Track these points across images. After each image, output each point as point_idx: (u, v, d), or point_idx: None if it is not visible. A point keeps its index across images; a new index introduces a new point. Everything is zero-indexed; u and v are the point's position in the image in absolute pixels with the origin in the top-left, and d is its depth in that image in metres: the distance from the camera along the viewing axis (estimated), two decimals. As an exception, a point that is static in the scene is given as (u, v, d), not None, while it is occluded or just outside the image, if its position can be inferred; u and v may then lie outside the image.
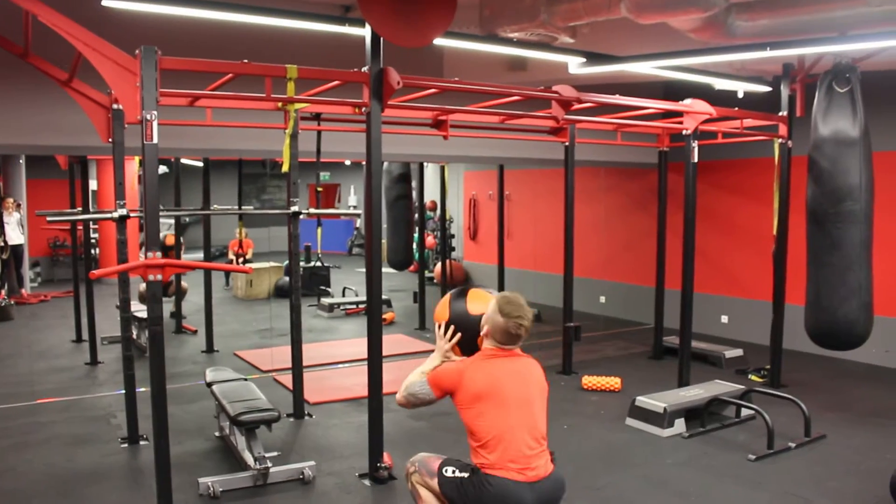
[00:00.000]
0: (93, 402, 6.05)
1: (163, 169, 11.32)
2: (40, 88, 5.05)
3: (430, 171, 14.34)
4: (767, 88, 6.83)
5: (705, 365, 7.23)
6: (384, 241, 10.45)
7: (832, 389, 6.49)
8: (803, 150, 5.83)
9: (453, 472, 2.97)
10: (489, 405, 2.89)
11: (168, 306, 8.97)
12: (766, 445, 4.87)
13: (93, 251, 12.60)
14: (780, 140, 6.45)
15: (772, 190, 6.57)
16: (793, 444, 4.96)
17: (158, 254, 3.58)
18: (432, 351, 3.25)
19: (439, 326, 3.21)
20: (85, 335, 7.80)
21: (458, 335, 3.14)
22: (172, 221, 11.93)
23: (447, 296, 3.29)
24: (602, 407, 5.95)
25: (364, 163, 4.41)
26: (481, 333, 3.06)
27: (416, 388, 3.10)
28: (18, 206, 11.94)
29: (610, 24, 4.92)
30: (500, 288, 10.19)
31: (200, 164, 8.23)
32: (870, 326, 5.48)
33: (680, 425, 5.25)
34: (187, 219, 14.64)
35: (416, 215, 11.42)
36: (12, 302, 10.28)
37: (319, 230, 6.47)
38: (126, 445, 4.99)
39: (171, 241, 8.90)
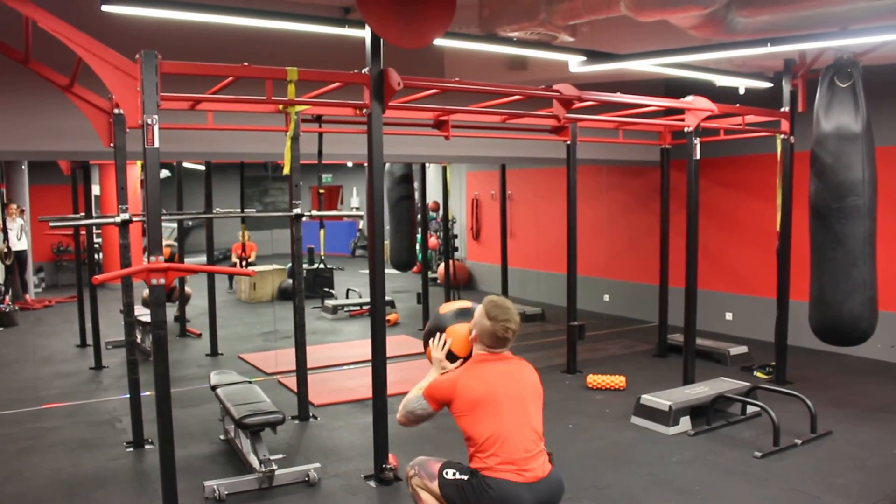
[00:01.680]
0: (98, 407, 6.06)
1: (165, 173, 11.33)
2: (41, 94, 5.06)
3: (432, 172, 14.31)
4: (769, 84, 6.82)
5: (710, 362, 7.22)
6: (387, 242, 10.46)
7: (838, 385, 6.47)
8: (806, 145, 5.82)
9: (454, 474, 2.97)
10: (485, 410, 2.90)
11: (171, 310, 8.99)
12: (772, 442, 4.85)
13: (96, 256, 12.63)
14: (782, 136, 6.43)
15: (775, 186, 6.55)
16: (799, 441, 4.94)
17: (161, 258, 3.58)
18: None
19: (427, 343, 3.25)
20: (89, 340, 7.81)
21: (451, 340, 3.16)
22: (175, 226, 11.97)
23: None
24: (607, 405, 5.94)
25: (366, 164, 4.41)
26: (469, 338, 3.09)
27: (413, 404, 3.12)
28: (22, 211, 11.95)
29: (610, 22, 4.92)
30: (504, 288, 10.19)
31: (202, 167, 8.24)
32: (875, 322, 5.47)
33: (685, 423, 5.24)
34: (190, 222, 14.66)
35: (419, 216, 11.41)
36: (17, 307, 10.29)
37: (322, 232, 6.47)
38: (131, 449, 5.00)
39: (167, 254, 8.90)
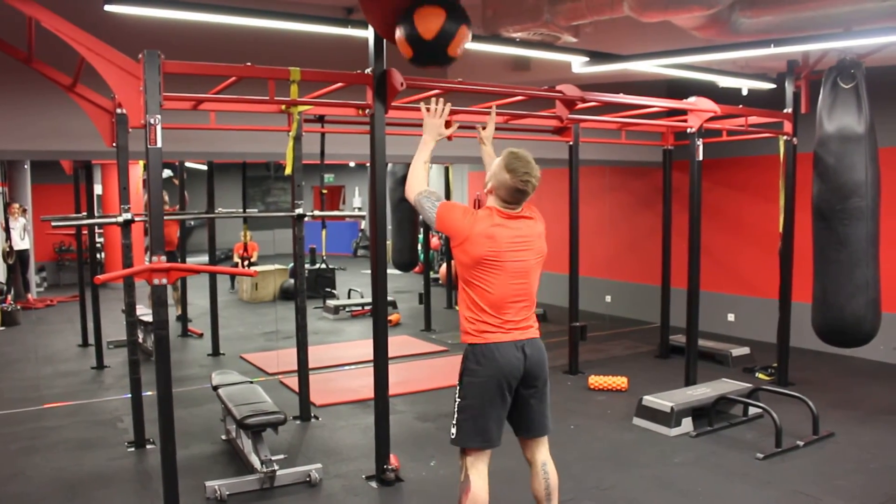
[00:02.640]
0: (99, 407, 6.06)
1: (167, 173, 11.34)
2: (44, 94, 5.07)
3: (435, 172, 14.32)
4: (772, 85, 6.81)
5: (712, 363, 7.21)
6: (389, 242, 10.47)
7: (840, 387, 6.46)
8: (809, 146, 5.82)
9: (457, 390, 3.12)
10: (488, 272, 3.03)
11: (173, 310, 9.00)
12: (775, 444, 4.85)
13: (98, 255, 12.65)
14: (785, 137, 6.42)
15: (777, 187, 6.54)
16: (801, 443, 4.94)
17: (163, 258, 3.58)
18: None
19: (426, 104, 3.39)
20: (91, 339, 7.82)
21: (449, 105, 3.29)
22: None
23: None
24: (609, 407, 5.94)
25: (368, 164, 4.41)
26: (485, 190, 3.16)
27: (425, 201, 3.19)
28: (24, 211, 11.97)
29: (613, 23, 4.91)
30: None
31: (205, 167, 8.24)
32: (877, 323, 5.46)
33: (687, 424, 5.24)
34: (192, 222, 14.67)
35: (421, 216, 11.42)
36: (18, 307, 10.30)
37: (324, 232, 6.48)
38: (133, 449, 5.00)
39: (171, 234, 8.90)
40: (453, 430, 3.15)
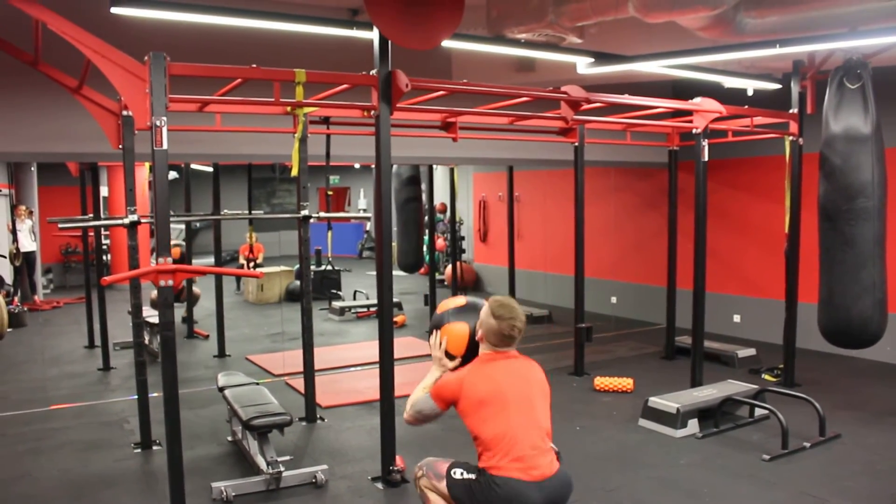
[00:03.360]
0: (106, 408, 6.08)
1: (173, 175, 11.37)
2: (50, 96, 5.08)
3: (440, 174, 14.34)
4: (777, 86, 6.80)
5: (718, 365, 7.19)
6: (394, 243, 10.47)
7: (846, 388, 6.44)
8: (815, 147, 5.80)
9: (462, 473, 2.97)
10: (492, 409, 2.91)
11: (179, 311, 9.02)
12: (781, 445, 4.83)
13: (104, 257, 12.68)
14: (791, 137, 6.41)
15: (783, 188, 6.53)
16: (807, 444, 4.92)
17: (170, 259, 3.59)
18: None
19: (432, 336, 3.28)
20: (97, 341, 7.84)
21: (447, 339, 3.18)
22: (182, 227, 12.00)
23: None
24: (615, 408, 5.93)
25: (373, 166, 4.41)
26: (476, 338, 3.11)
27: (421, 404, 3.13)
28: (31, 213, 12.01)
29: (618, 24, 4.91)
30: (511, 290, 10.17)
31: (210, 169, 8.26)
32: (884, 324, 5.44)
33: (693, 426, 5.23)
34: (198, 224, 14.70)
35: (426, 218, 11.42)
36: (25, 308, 10.33)
37: (330, 234, 6.47)
38: (139, 450, 5.01)
39: (176, 254, 8.92)
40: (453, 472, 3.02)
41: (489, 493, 2.84)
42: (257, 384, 5.16)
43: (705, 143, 6.01)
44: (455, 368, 3.16)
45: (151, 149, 3.48)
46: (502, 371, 2.99)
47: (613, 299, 10.19)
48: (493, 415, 2.90)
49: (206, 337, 8.80)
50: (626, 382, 6.41)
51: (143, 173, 11.69)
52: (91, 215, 7.84)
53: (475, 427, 2.94)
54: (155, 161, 3.51)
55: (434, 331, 3.26)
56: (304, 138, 4.96)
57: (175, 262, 3.64)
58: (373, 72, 4.24)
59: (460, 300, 3.32)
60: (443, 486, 3.02)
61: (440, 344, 3.21)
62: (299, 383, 5.96)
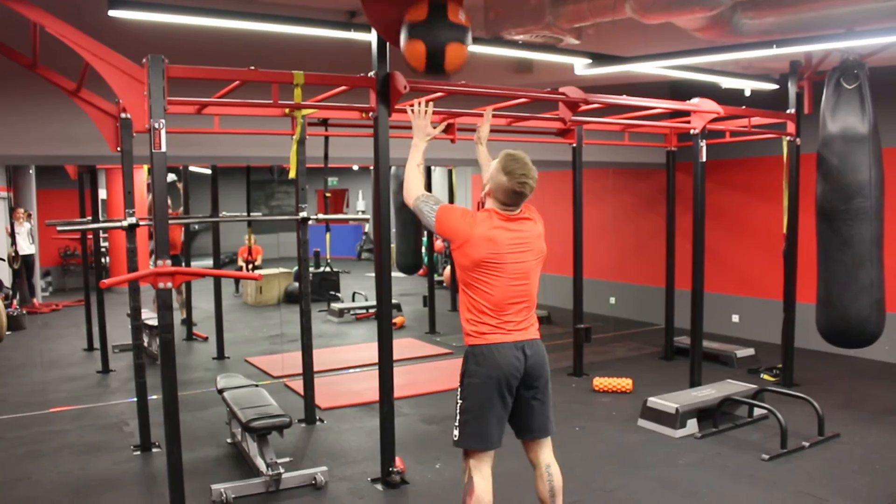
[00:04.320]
0: (105, 411, 6.08)
1: (171, 177, 11.36)
2: (49, 99, 5.08)
3: (438, 175, 14.35)
4: (775, 86, 6.81)
5: (717, 365, 7.20)
6: (393, 245, 10.47)
7: (845, 388, 6.45)
8: (812, 147, 5.81)
9: (458, 391, 3.13)
10: (488, 274, 3.04)
11: (178, 314, 9.02)
12: (780, 445, 4.84)
13: (103, 260, 12.67)
14: (788, 138, 6.42)
15: (781, 188, 6.54)
16: (806, 444, 4.93)
17: (168, 261, 3.59)
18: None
19: (414, 107, 3.39)
20: (96, 344, 7.84)
21: (432, 105, 3.32)
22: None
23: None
24: (614, 408, 5.93)
25: (372, 167, 4.42)
26: (483, 193, 3.19)
27: (423, 205, 3.21)
28: (29, 216, 12.01)
29: (615, 25, 4.91)
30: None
31: (209, 171, 8.26)
32: (882, 324, 5.45)
33: (692, 426, 5.23)
34: (197, 226, 14.70)
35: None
36: (24, 312, 10.33)
37: (328, 235, 6.48)
38: (139, 453, 5.01)
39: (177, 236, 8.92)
40: (455, 433, 3.16)
41: (480, 363, 3.03)
42: (256, 386, 5.16)
43: (703, 143, 6.02)
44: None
45: (150, 151, 3.48)
46: (505, 238, 3.07)
47: (612, 300, 10.20)
48: (488, 280, 3.04)
49: (206, 339, 8.80)
50: (625, 383, 6.41)
51: (141, 176, 11.68)
52: (90, 218, 7.84)
53: (468, 280, 3.09)
54: (153, 163, 3.51)
55: (419, 100, 3.33)
56: (302, 140, 4.97)
57: (174, 258, 3.64)
58: (371, 73, 4.24)
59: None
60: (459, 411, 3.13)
61: (424, 112, 3.24)
62: (298, 385, 5.96)
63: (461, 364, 3.17)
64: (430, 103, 3.27)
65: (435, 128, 3.31)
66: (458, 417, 3.14)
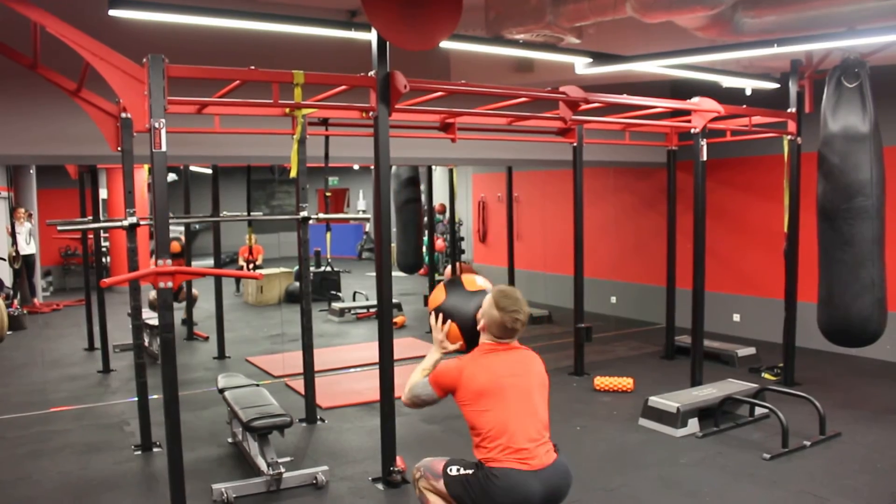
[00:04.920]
0: (106, 410, 6.08)
1: (172, 177, 11.37)
2: (49, 99, 5.08)
3: (439, 174, 14.34)
4: (776, 85, 6.80)
5: (718, 364, 7.19)
6: (394, 244, 10.47)
7: (846, 387, 6.44)
8: (813, 146, 5.81)
9: (458, 470, 2.97)
10: (490, 401, 2.91)
11: (179, 313, 9.01)
12: (781, 444, 4.84)
13: (104, 259, 12.68)
14: (789, 137, 6.41)
15: (782, 187, 6.53)
16: (808, 443, 4.92)
17: (169, 261, 3.59)
18: (443, 354, 3.26)
19: (434, 317, 3.25)
20: (97, 343, 7.84)
21: (450, 322, 3.17)
22: (182, 228, 11.99)
23: (440, 284, 3.34)
24: (615, 408, 5.93)
25: (372, 167, 4.41)
26: (478, 327, 3.09)
27: (418, 389, 3.12)
28: (30, 215, 12.01)
29: (616, 24, 4.91)
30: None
31: (209, 171, 8.26)
32: (884, 323, 5.45)
33: (693, 425, 5.23)
34: (197, 226, 14.70)
35: (426, 218, 11.42)
36: (25, 311, 10.33)
37: (329, 235, 6.48)
38: (139, 453, 5.01)
39: (176, 248, 8.91)
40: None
41: (487, 486, 2.83)
42: (257, 385, 5.16)
43: (704, 142, 6.01)
44: (456, 352, 3.17)
45: (150, 151, 3.48)
46: (502, 363, 2.99)
47: (613, 299, 10.20)
48: (492, 407, 2.90)
49: (206, 339, 8.80)
50: (626, 382, 6.41)
51: (142, 175, 11.68)
52: (90, 217, 7.84)
53: (473, 418, 2.94)
54: (154, 163, 3.51)
55: (439, 314, 3.22)
56: (302, 140, 4.96)
57: (174, 255, 3.63)
58: (371, 73, 4.24)
59: (472, 279, 3.29)
60: (440, 484, 3.02)
61: (442, 328, 3.20)
62: (299, 384, 5.96)
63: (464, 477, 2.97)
64: (449, 321, 3.20)
65: (451, 346, 3.22)
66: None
